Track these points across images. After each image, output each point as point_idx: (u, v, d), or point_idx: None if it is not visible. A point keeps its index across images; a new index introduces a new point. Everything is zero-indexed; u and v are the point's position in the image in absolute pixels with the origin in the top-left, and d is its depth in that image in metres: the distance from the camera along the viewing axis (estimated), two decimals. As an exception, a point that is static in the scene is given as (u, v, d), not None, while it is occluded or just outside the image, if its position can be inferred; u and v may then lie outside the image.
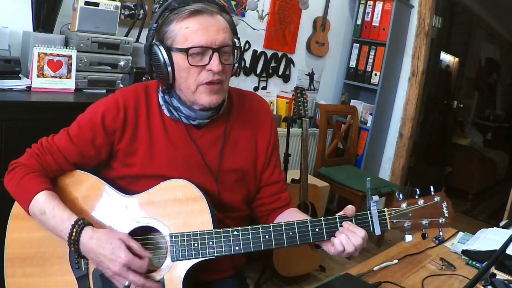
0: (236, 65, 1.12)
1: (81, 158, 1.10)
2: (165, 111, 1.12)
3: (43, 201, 0.99)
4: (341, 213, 1.02)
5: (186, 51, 1.01)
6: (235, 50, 1.09)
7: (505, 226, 1.69)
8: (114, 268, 0.94)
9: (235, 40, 1.09)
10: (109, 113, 1.08)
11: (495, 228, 1.63)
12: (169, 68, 1.04)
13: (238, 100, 1.21)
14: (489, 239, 1.49)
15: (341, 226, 1.00)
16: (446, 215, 1.00)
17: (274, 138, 1.23)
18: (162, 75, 1.05)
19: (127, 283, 0.96)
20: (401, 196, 1.03)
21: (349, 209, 1.01)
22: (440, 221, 1.00)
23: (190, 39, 1.01)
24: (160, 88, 1.13)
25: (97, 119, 1.08)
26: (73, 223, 0.97)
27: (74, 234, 0.96)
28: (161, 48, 1.04)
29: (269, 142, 1.22)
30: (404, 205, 1.00)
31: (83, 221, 0.98)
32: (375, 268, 1.29)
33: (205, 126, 1.14)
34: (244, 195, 1.20)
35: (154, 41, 1.06)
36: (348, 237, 0.97)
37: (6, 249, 1.07)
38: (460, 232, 1.63)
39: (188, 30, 1.01)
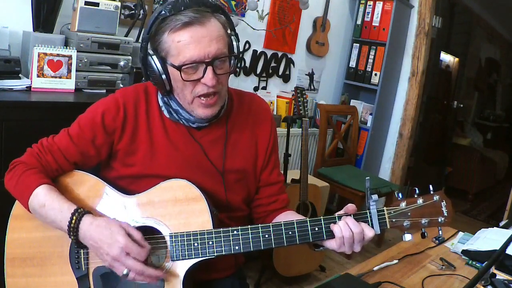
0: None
1: (81, 158, 1.10)
2: (165, 112, 1.12)
3: (42, 194, 0.99)
4: (341, 212, 1.02)
5: (178, 68, 1.01)
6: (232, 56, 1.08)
7: (505, 226, 1.69)
8: (112, 252, 0.93)
9: (232, 37, 1.08)
10: (109, 113, 1.08)
11: (495, 228, 1.63)
12: (165, 77, 1.04)
13: (238, 101, 1.21)
14: (489, 239, 1.49)
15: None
16: (446, 214, 1.00)
17: (273, 139, 1.23)
18: (159, 84, 1.06)
19: (125, 271, 0.93)
20: (400, 195, 1.03)
21: (350, 207, 1.01)
22: (439, 220, 1.00)
23: (183, 54, 1.00)
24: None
25: (97, 119, 1.08)
26: (72, 211, 0.97)
27: (73, 221, 0.96)
28: (155, 59, 1.03)
29: (268, 142, 1.22)
30: (403, 204, 1.00)
31: (83, 210, 0.98)
32: (375, 268, 1.29)
33: (206, 127, 1.14)
34: (244, 195, 1.20)
35: (149, 49, 1.05)
36: (346, 223, 0.97)
37: (6, 249, 1.07)
38: (460, 232, 1.63)
39: (180, 44, 0.99)
